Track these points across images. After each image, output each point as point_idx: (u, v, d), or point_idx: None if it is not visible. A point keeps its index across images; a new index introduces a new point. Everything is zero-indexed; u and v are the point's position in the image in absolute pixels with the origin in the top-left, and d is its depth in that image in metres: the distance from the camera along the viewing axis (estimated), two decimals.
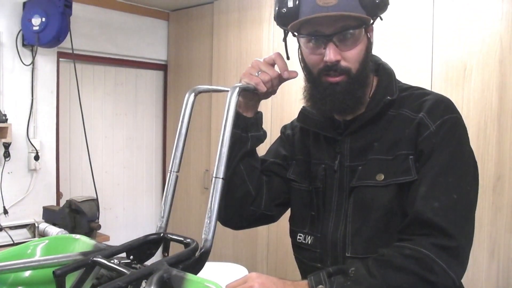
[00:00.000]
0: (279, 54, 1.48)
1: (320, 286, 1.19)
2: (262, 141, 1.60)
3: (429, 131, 1.29)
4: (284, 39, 1.45)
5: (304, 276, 1.39)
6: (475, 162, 1.34)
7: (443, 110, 1.32)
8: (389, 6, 1.32)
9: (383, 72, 1.44)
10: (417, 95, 1.38)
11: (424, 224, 1.21)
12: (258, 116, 1.60)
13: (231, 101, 1.33)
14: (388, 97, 1.37)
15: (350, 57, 1.31)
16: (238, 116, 1.50)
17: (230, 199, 1.53)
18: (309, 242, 1.47)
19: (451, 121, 1.30)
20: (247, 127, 1.55)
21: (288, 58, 1.48)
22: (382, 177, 1.32)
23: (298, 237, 1.52)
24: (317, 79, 1.36)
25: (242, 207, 1.55)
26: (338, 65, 1.31)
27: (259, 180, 1.56)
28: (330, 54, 1.29)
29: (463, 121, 1.34)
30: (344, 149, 1.42)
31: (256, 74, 1.46)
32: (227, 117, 1.31)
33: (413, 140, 1.31)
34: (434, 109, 1.31)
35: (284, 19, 1.35)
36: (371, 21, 1.32)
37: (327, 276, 1.21)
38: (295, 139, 1.64)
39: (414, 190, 1.27)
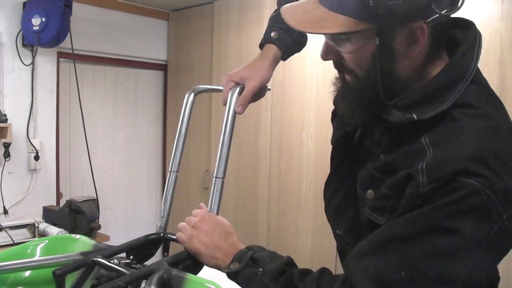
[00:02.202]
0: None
1: (236, 263, 1.19)
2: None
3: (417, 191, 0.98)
4: None
5: None
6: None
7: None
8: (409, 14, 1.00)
9: (453, 66, 1.07)
10: (455, 128, 1.01)
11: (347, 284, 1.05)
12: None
13: (231, 101, 1.33)
14: (414, 115, 1.04)
15: (348, 60, 1.13)
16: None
17: None
18: None
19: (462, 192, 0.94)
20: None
21: None
22: (372, 195, 1.12)
23: None
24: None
25: None
26: (341, 63, 1.16)
27: None
28: (321, 50, 1.19)
29: (487, 203, 0.93)
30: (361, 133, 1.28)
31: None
32: (228, 117, 1.31)
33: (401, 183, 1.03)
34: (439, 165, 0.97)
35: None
36: (366, 27, 1.03)
37: (250, 258, 1.19)
38: None
39: (365, 238, 1.07)
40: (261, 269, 1.15)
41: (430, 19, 0.98)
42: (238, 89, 1.35)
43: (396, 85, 1.09)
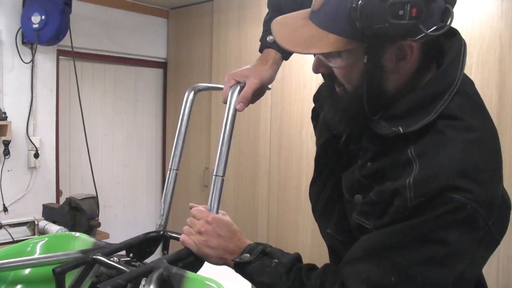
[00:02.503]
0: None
1: (246, 255, 1.21)
2: None
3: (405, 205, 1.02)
4: None
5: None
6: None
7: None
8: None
9: (439, 77, 1.08)
10: (440, 141, 1.04)
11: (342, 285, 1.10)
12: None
13: (232, 100, 1.33)
14: (400, 128, 1.07)
15: (338, 75, 1.14)
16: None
17: None
18: None
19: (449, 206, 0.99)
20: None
21: None
22: (360, 200, 1.15)
23: None
24: None
25: None
26: (332, 75, 1.17)
27: None
28: (313, 64, 1.20)
29: (475, 215, 0.99)
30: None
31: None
32: (228, 115, 1.31)
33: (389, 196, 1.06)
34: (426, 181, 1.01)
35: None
36: (354, 45, 1.04)
37: (261, 252, 1.22)
38: None
39: (357, 244, 1.11)
40: (276, 260, 1.19)
41: (419, 37, 1.00)
42: (238, 87, 1.35)
43: (384, 99, 1.11)
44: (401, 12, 0.96)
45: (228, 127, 1.31)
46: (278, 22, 1.17)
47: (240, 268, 1.21)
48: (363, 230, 1.11)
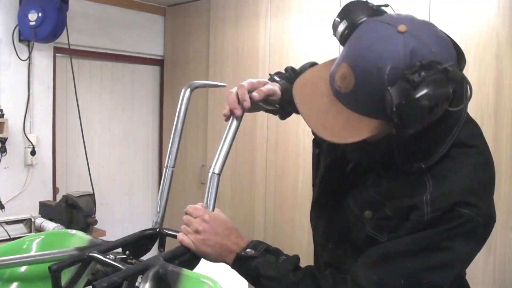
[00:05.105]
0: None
1: (251, 250, 1.23)
2: None
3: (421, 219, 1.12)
4: None
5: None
6: None
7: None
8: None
9: (449, 113, 1.12)
10: (453, 165, 1.15)
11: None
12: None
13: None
14: (422, 164, 1.15)
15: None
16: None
17: None
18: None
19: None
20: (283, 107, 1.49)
21: None
22: (370, 215, 1.22)
23: None
24: None
25: None
26: None
27: None
28: None
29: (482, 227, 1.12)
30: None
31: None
32: (233, 119, 1.32)
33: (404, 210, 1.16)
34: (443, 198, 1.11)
35: None
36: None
37: (264, 249, 1.25)
38: None
39: (372, 249, 1.19)
40: (284, 257, 1.24)
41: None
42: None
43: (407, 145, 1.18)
44: (436, 109, 1.01)
45: (232, 129, 1.31)
46: (302, 104, 1.16)
47: (244, 261, 1.23)
48: (374, 243, 1.19)
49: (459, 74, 1.02)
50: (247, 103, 1.31)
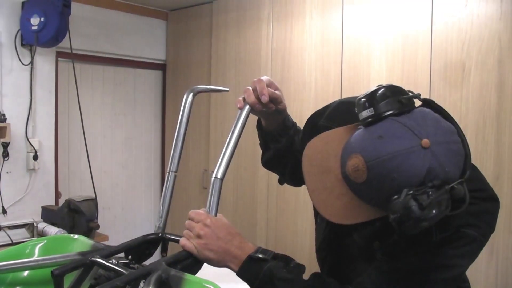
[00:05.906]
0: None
1: (260, 254, 1.24)
2: (284, 150, 1.58)
3: None
4: None
5: None
6: None
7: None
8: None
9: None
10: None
11: None
12: (279, 128, 1.57)
13: (243, 111, 1.37)
14: (434, 237, 1.20)
15: None
16: (259, 131, 1.60)
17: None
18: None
19: None
20: (266, 141, 1.61)
21: None
22: (379, 245, 1.25)
23: None
24: None
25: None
26: None
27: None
28: None
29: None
30: None
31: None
32: (237, 124, 1.33)
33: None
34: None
35: None
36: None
37: (273, 256, 1.26)
38: None
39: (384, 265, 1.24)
40: (295, 262, 1.26)
41: None
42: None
43: None
44: (435, 211, 1.02)
45: (235, 135, 1.32)
46: (309, 173, 1.19)
47: (256, 264, 1.23)
48: None
49: (462, 192, 1.05)
50: (265, 97, 1.34)
